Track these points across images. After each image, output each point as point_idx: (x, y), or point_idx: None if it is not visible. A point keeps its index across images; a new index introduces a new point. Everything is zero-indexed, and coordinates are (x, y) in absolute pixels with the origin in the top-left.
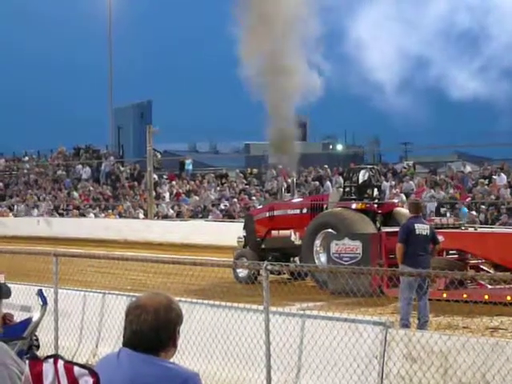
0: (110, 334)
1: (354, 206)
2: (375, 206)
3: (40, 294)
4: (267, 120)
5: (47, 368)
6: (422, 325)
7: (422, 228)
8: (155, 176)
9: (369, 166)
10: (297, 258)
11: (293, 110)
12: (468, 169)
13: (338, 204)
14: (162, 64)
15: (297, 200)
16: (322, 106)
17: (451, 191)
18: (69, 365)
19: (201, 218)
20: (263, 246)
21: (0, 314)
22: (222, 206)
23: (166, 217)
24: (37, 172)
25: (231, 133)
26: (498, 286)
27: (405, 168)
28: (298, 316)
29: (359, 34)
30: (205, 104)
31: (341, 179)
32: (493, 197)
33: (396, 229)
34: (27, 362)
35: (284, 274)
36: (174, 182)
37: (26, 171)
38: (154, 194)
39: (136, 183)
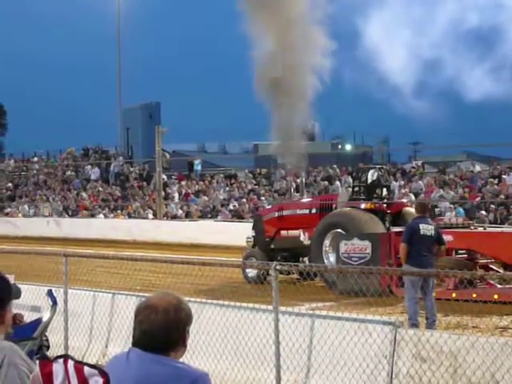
0: (119, 334)
1: (363, 205)
2: (384, 205)
3: (50, 294)
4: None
5: (57, 368)
6: (431, 324)
7: (426, 228)
8: (164, 176)
9: (378, 166)
10: (306, 258)
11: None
12: (477, 168)
13: (347, 204)
14: (170, 65)
15: (306, 200)
16: (332, 106)
17: (460, 191)
18: (79, 365)
19: (210, 218)
20: (272, 246)
21: (10, 314)
22: (230, 206)
23: (175, 217)
24: (46, 173)
25: (240, 133)
26: (508, 286)
27: (414, 168)
28: (308, 316)
29: (370, 34)
30: (213, 104)
31: (350, 179)
32: (502, 196)
33: None
34: (37, 362)
35: (293, 274)
36: (183, 183)
37: (35, 172)
38: (163, 194)
39: (145, 183)
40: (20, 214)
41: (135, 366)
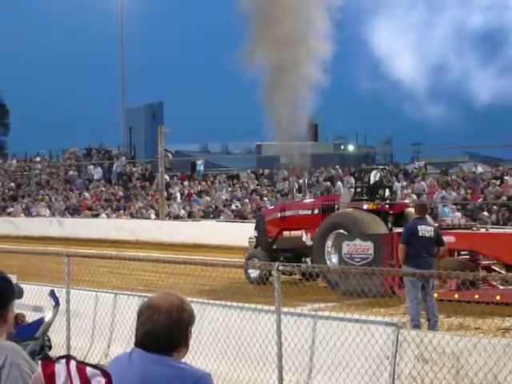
0: (121, 335)
1: (365, 206)
2: (387, 206)
3: (52, 294)
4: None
5: (59, 368)
6: (433, 325)
7: (425, 229)
8: (167, 176)
9: (380, 167)
10: (308, 259)
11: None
12: (479, 169)
13: (350, 204)
14: (173, 65)
15: (308, 200)
16: (334, 107)
17: (462, 192)
18: (81, 365)
19: (212, 218)
20: (274, 247)
21: (12, 314)
22: (233, 207)
23: (177, 217)
24: (48, 172)
25: (242, 133)
26: (510, 287)
27: (416, 169)
28: (310, 317)
29: (375, 37)
30: (216, 104)
31: (352, 180)
32: (504, 198)
33: None
34: (39, 362)
35: (295, 274)
36: (185, 183)
37: (37, 172)
38: (165, 194)
39: (147, 184)
40: (22, 214)
41: (137, 366)
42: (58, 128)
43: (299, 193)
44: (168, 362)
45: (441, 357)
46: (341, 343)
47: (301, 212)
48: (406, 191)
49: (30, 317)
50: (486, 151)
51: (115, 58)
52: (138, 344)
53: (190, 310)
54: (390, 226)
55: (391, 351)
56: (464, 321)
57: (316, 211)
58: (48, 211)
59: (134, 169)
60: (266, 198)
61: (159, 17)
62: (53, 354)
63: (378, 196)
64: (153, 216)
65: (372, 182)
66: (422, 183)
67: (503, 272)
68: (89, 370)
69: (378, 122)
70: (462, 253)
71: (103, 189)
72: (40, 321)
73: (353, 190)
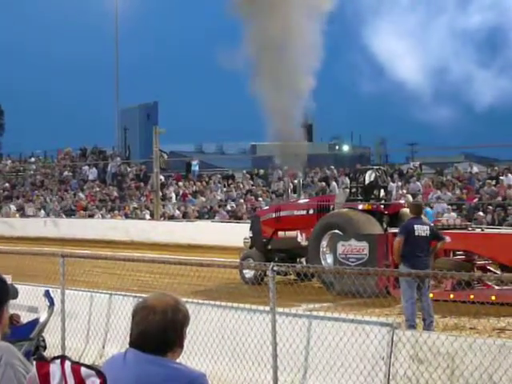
0: (116, 335)
1: (360, 206)
2: (382, 206)
3: (47, 294)
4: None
5: (54, 369)
6: (428, 325)
7: (421, 229)
8: (161, 177)
9: (375, 167)
10: (303, 259)
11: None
12: (475, 169)
13: (345, 205)
14: (168, 65)
15: (303, 201)
16: (329, 107)
17: (458, 192)
18: (76, 365)
19: (207, 218)
20: (269, 247)
21: (7, 314)
22: (228, 207)
23: (172, 218)
24: (43, 173)
25: (237, 134)
26: (505, 287)
27: (411, 169)
28: (305, 317)
29: (373, 38)
30: (211, 105)
31: (347, 180)
32: (500, 198)
33: None
34: (34, 362)
35: (290, 274)
36: (180, 183)
37: (32, 172)
38: (160, 194)
39: (142, 184)
40: (17, 215)
41: (132, 366)
42: (53, 128)
43: (294, 193)
44: (163, 362)
45: (436, 357)
46: (336, 343)
47: (296, 212)
48: (401, 191)
49: (25, 317)
50: (482, 151)
51: (110, 58)
52: (132, 344)
53: (185, 311)
54: (385, 226)
55: (386, 351)
56: (459, 321)
57: (311, 211)
58: (42, 212)
59: (128, 169)
60: (261, 199)
61: (154, 16)
62: (48, 354)
63: (373, 196)
64: (148, 216)
65: (367, 182)
66: (417, 183)
67: (498, 272)
68: (83, 370)
69: (378, 122)
70: (458, 253)
71: (98, 189)
72: (35, 321)
73: (348, 190)
